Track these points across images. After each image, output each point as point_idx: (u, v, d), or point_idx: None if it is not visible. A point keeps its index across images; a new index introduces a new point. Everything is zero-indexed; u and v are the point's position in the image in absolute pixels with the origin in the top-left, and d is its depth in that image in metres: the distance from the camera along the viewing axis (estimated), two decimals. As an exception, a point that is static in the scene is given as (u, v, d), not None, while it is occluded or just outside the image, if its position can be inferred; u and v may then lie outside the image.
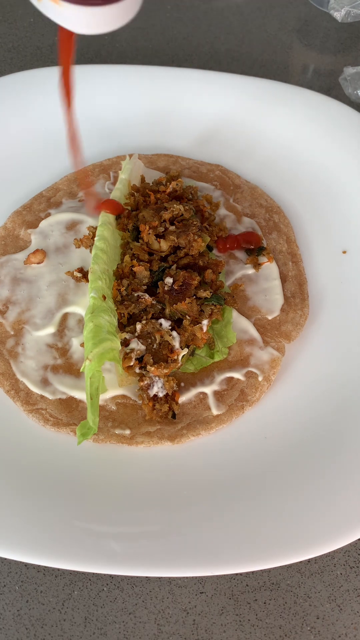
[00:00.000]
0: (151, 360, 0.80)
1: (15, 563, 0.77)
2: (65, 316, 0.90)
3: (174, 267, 0.87)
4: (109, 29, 0.50)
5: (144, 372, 0.81)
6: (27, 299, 0.91)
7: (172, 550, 0.70)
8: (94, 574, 0.76)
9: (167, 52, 1.32)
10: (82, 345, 0.85)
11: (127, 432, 0.80)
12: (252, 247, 0.96)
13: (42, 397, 0.83)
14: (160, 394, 0.81)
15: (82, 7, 0.47)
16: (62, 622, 0.74)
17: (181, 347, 0.81)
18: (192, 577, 0.76)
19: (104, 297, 0.81)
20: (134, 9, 0.50)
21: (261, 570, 0.76)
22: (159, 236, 0.89)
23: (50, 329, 0.88)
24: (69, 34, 0.55)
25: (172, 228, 0.89)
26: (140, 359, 0.81)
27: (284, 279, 0.94)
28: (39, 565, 0.76)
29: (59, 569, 0.76)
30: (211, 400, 0.83)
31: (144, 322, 0.82)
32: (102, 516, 0.73)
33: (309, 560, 0.78)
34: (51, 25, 1.41)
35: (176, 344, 0.81)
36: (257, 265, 0.94)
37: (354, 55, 1.32)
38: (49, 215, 1.00)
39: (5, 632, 0.73)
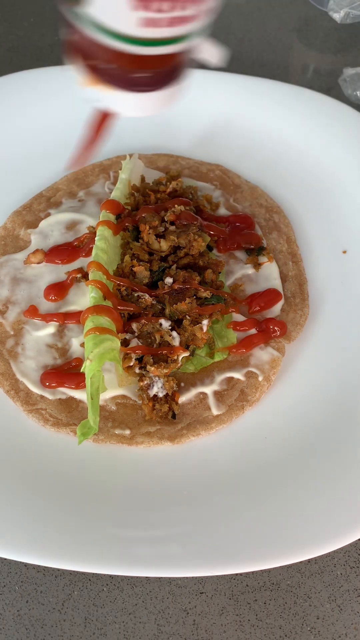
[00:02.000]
0: (151, 360, 0.80)
1: (15, 563, 0.77)
2: (65, 316, 0.90)
3: (174, 267, 0.87)
4: (157, 112, 0.52)
5: (144, 372, 0.81)
6: (27, 299, 0.91)
7: (171, 550, 0.70)
8: (94, 574, 0.76)
9: (167, 52, 1.32)
10: (82, 345, 0.85)
11: (127, 432, 0.80)
12: (252, 247, 0.96)
13: (42, 397, 0.83)
14: (160, 394, 0.81)
15: (133, 94, 0.49)
16: (62, 622, 0.74)
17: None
18: (192, 577, 0.76)
19: (104, 297, 0.81)
20: (178, 94, 0.52)
21: (261, 570, 0.76)
22: (159, 236, 0.89)
23: (50, 329, 0.88)
24: (106, 115, 0.57)
25: (172, 228, 0.89)
26: (140, 359, 0.81)
27: (284, 279, 0.94)
28: (39, 566, 0.76)
29: (58, 569, 0.76)
30: (211, 400, 0.83)
31: (143, 322, 0.82)
32: (101, 516, 0.73)
33: (309, 560, 0.78)
34: (51, 25, 1.41)
35: (176, 344, 0.81)
36: (257, 265, 0.94)
37: (353, 56, 1.32)
38: (48, 215, 1.00)
39: (5, 632, 0.73)
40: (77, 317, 0.88)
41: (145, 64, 0.46)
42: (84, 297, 0.90)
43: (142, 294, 0.84)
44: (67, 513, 0.73)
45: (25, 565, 0.77)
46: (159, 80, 0.49)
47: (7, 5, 1.41)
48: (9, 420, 0.82)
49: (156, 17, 0.41)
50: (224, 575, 0.76)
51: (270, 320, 0.88)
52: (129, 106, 0.51)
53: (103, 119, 0.58)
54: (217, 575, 0.76)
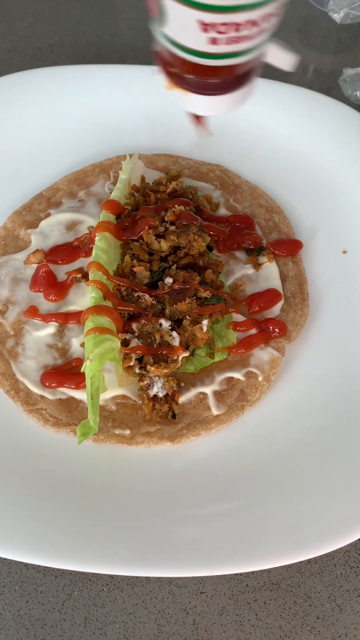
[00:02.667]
0: (151, 360, 0.80)
1: (15, 563, 0.77)
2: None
3: (174, 267, 0.87)
4: (229, 111, 0.63)
5: (144, 372, 0.81)
6: (27, 299, 0.91)
7: (172, 550, 0.70)
8: (94, 574, 0.76)
9: (167, 52, 1.32)
10: (82, 345, 0.85)
11: (127, 432, 0.80)
12: (252, 247, 0.96)
13: (42, 397, 0.83)
14: (160, 394, 0.81)
15: (206, 97, 0.60)
16: (62, 622, 0.74)
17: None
18: (192, 577, 0.76)
19: (105, 297, 0.81)
20: (248, 96, 0.62)
21: (261, 570, 0.76)
22: (159, 236, 0.89)
23: (50, 329, 0.88)
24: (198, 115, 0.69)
25: (172, 228, 0.89)
26: (140, 359, 0.81)
27: (284, 279, 0.94)
28: (39, 565, 0.76)
29: (58, 569, 0.76)
30: (211, 400, 0.83)
31: (143, 322, 0.82)
32: (102, 516, 0.73)
33: (309, 560, 0.78)
34: (51, 25, 1.41)
35: (176, 344, 0.81)
36: (257, 265, 0.94)
37: (353, 56, 1.32)
38: (49, 215, 1.00)
39: (5, 632, 0.73)
40: (77, 317, 0.88)
41: (215, 72, 0.56)
42: (84, 297, 0.90)
43: (142, 294, 0.84)
44: (67, 513, 0.73)
45: (25, 565, 0.77)
46: (228, 85, 0.59)
47: (7, 5, 1.41)
48: (9, 420, 0.82)
49: (217, 37, 0.50)
50: (224, 575, 0.76)
51: (270, 320, 0.88)
52: (203, 107, 0.62)
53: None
54: (217, 575, 0.76)
